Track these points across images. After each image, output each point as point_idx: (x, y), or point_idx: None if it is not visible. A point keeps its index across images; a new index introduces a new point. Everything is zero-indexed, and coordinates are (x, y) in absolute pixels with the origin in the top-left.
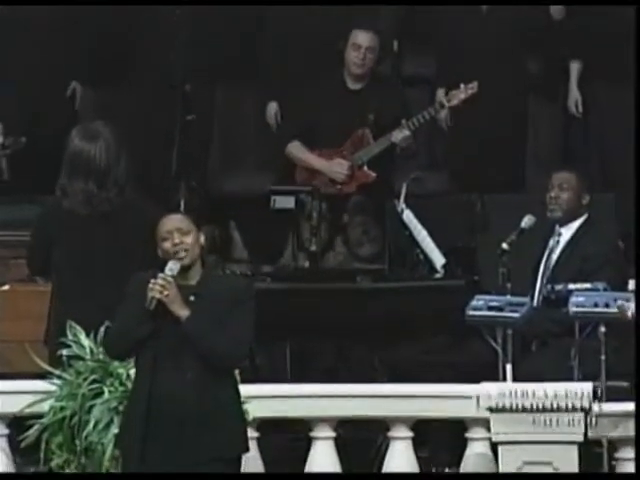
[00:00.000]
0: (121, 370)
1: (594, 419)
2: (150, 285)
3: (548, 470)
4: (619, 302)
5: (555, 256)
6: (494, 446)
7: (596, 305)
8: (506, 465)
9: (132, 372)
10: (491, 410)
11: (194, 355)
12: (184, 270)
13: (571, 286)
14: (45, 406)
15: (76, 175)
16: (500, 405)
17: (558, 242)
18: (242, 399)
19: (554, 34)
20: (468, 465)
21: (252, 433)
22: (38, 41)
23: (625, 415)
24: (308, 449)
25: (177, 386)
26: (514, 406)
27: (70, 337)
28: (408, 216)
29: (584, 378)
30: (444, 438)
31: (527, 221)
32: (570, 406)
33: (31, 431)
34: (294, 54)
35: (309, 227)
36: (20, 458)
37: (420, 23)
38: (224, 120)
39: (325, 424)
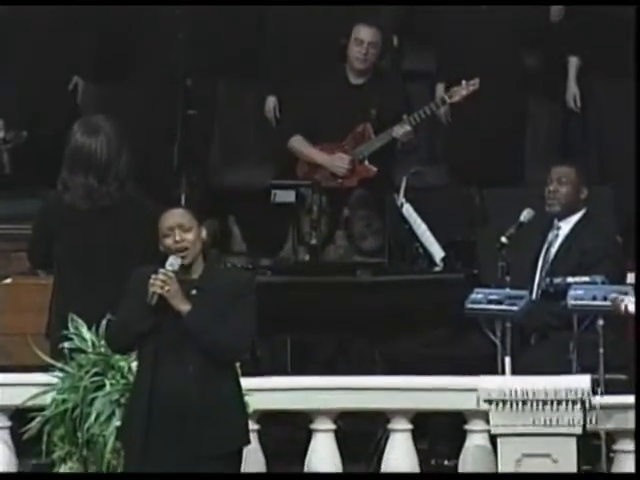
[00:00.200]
0: (122, 363)
1: (592, 412)
2: (151, 280)
3: (547, 462)
4: (612, 295)
5: (554, 250)
6: (493, 438)
7: (594, 298)
8: (505, 457)
9: (133, 365)
10: (490, 403)
11: (195, 349)
12: (186, 265)
13: (570, 279)
14: (47, 398)
15: (77, 169)
16: (499, 398)
17: (557, 236)
18: (243, 392)
19: (553, 32)
20: (467, 457)
21: (253, 425)
22: (39, 36)
23: (623, 408)
24: (308, 441)
25: (179, 380)
26: (513, 399)
27: (72, 330)
28: (408, 210)
29: (582, 371)
30: (443, 430)
31: (526, 215)
32: (568, 399)
33: (33, 423)
34: (295, 49)
35: (309, 221)
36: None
37: (420, 21)
38: (225, 115)
39: (325, 416)
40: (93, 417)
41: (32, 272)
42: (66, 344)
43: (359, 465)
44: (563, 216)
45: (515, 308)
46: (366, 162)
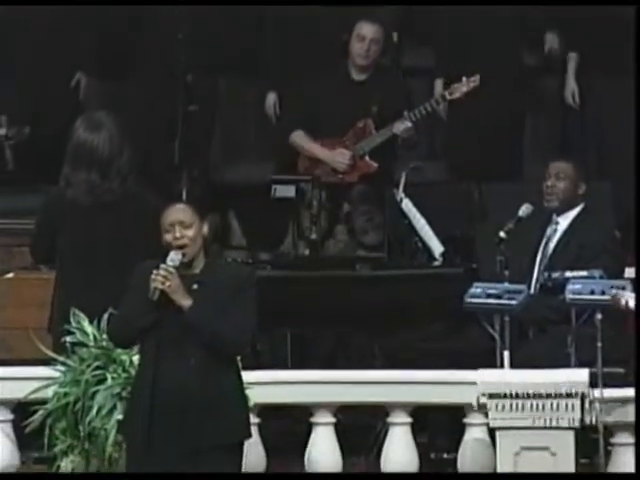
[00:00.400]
0: (124, 357)
1: (591, 405)
2: (152, 276)
3: (545, 455)
4: (613, 291)
5: (552, 244)
6: (492, 432)
7: (592, 292)
8: (504, 450)
9: (135, 359)
10: (489, 396)
11: (197, 343)
12: (186, 261)
13: (568, 274)
14: (49, 392)
15: (79, 165)
16: (498, 391)
17: (555, 230)
18: (244, 385)
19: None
20: (466, 450)
21: (253, 419)
22: (41, 33)
23: (621, 401)
24: (309, 434)
25: (180, 374)
26: (512, 392)
27: (74, 324)
28: (407, 205)
29: (581, 365)
30: (442, 424)
31: (524, 210)
32: (567, 392)
33: (35, 417)
34: (295, 47)
35: (309, 216)
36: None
37: (419, 18)
38: (226, 111)
39: (325, 410)
40: (95, 410)
41: (34, 267)
42: (68, 338)
43: (359, 458)
44: (561, 211)
45: (514, 302)
46: (367, 158)
